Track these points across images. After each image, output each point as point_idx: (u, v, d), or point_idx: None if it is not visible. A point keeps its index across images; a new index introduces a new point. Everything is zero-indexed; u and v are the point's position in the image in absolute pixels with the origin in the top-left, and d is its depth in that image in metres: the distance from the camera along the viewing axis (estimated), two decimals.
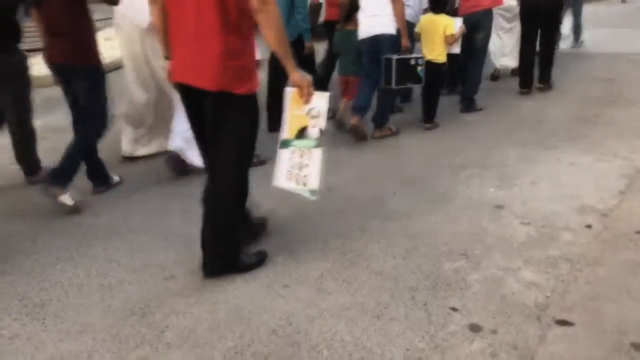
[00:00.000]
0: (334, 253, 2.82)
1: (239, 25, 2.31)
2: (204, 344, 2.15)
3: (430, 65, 4.62)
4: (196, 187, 2.78)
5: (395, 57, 4.32)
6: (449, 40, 4.71)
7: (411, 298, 2.40)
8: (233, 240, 2.61)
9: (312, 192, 2.56)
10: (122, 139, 4.28)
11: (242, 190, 2.63)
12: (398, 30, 4.36)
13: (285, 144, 2.55)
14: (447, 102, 5.39)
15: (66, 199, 3.33)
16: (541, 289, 2.43)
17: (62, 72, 3.45)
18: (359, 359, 2.04)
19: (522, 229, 2.99)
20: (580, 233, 2.92)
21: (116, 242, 3.01)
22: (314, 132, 2.49)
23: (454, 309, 2.31)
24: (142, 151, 4.32)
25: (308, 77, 2.43)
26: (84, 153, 3.49)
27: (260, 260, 2.72)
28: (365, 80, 4.59)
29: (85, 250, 2.93)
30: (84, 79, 3.41)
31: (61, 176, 3.32)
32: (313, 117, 2.48)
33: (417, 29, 4.79)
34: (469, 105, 5.33)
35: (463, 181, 3.69)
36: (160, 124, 4.19)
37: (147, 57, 3.92)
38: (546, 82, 5.91)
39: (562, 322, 2.20)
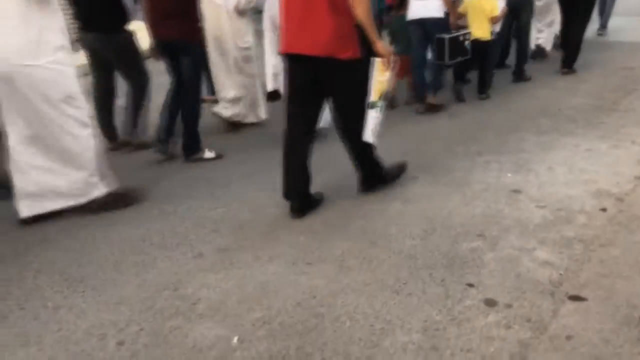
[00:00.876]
0: (354, 233, 2.94)
1: (340, 4, 2.77)
2: (234, 315, 2.29)
3: (477, 42, 5.12)
4: (221, 173, 2.92)
5: (447, 36, 4.76)
6: (494, 20, 5.22)
7: (429, 275, 2.51)
8: (375, 159, 3.28)
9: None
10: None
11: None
12: (445, 13, 4.83)
13: (372, 105, 3.01)
14: (466, 92, 5.45)
15: (207, 154, 4.09)
16: (555, 267, 2.52)
17: (170, 48, 3.92)
18: (379, 330, 2.16)
19: (537, 212, 3.08)
20: (595, 216, 3.00)
21: (147, 223, 3.16)
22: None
23: (470, 285, 2.41)
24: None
25: (390, 48, 2.84)
26: (194, 118, 4.04)
27: (401, 170, 3.50)
28: (414, 60, 5.07)
29: (119, 230, 3.09)
30: (189, 55, 3.92)
31: (191, 145, 4.04)
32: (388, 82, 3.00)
33: (461, 10, 5.22)
34: (519, 76, 5.96)
35: (480, 166, 3.77)
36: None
37: (227, 38, 4.48)
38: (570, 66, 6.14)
39: (575, 298, 2.29)
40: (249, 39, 4.60)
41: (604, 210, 3.05)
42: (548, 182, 3.46)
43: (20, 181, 3.09)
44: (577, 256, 2.61)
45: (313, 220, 3.10)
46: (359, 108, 3.02)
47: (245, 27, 4.54)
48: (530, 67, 6.40)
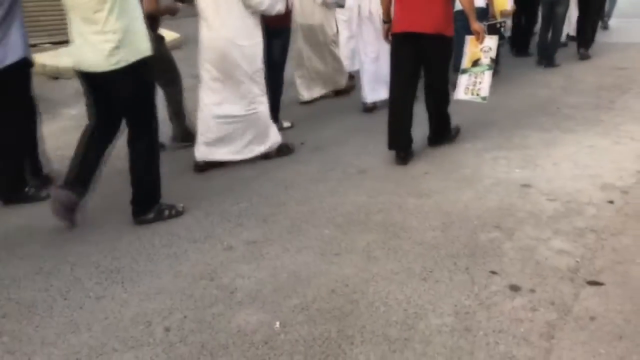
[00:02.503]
0: (376, 226, 3.06)
1: None
2: (272, 302, 2.40)
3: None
4: (238, 169, 3.00)
5: (486, 23, 5.22)
6: (504, 14, 6.02)
7: (453, 264, 2.64)
8: (447, 116, 4.20)
9: (483, 98, 4.11)
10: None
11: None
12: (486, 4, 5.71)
13: (464, 71, 4.12)
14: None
15: (285, 124, 4.76)
16: (571, 255, 2.67)
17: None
18: (413, 314, 2.28)
19: (549, 204, 3.23)
20: (604, 207, 3.15)
21: (175, 218, 3.25)
22: (485, 61, 4.03)
23: (494, 272, 2.55)
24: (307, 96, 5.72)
25: (482, 26, 3.96)
26: (279, 93, 4.68)
27: (457, 132, 4.39)
28: (456, 45, 5.53)
29: (145, 225, 3.17)
30: (280, 38, 4.51)
31: (274, 116, 4.37)
32: (485, 52, 4.00)
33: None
34: (551, 62, 6.81)
35: (489, 162, 3.91)
36: (318, 76, 5.70)
37: (319, 26, 5.38)
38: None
39: (593, 283, 2.44)
40: (334, 27, 5.57)
41: (611, 202, 3.21)
42: (555, 176, 3.61)
43: (205, 131, 3.90)
44: (591, 245, 2.76)
45: (334, 215, 3.21)
46: (446, 73, 4.05)
47: (332, 17, 5.53)
48: (532, 69, 6.63)
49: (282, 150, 4.19)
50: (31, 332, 2.28)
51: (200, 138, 3.92)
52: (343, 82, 5.90)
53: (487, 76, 4.06)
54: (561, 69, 6.68)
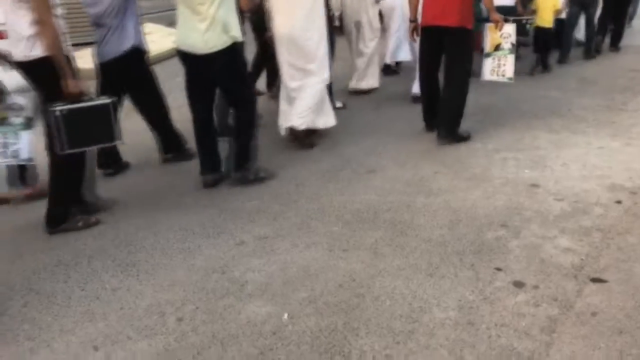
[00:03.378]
0: (384, 224, 3.12)
1: None
2: (281, 295, 2.47)
3: (541, 30, 6.49)
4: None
5: (511, 18, 5.53)
6: (557, 13, 6.54)
7: (459, 260, 2.70)
8: (460, 115, 4.41)
9: (509, 78, 4.74)
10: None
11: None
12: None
13: (488, 55, 4.73)
14: (480, 94, 5.65)
15: (338, 104, 5.13)
16: (576, 253, 2.71)
17: None
18: (418, 308, 2.34)
19: (556, 204, 3.26)
20: (611, 207, 3.18)
21: (187, 214, 3.35)
22: (506, 46, 4.64)
23: (499, 269, 2.60)
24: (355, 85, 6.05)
25: (500, 16, 4.50)
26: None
27: (467, 137, 4.44)
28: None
29: (161, 221, 3.27)
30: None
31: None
32: (504, 38, 4.63)
33: (533, 6, 6.56)
34: (589, 54, 7.29)
35: (498, 163, 3.95)
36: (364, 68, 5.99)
37: (367, 22, 5.80)
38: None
39: (597, 280, 2.48)
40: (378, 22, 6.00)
41: (619, 202, 3.24)
42: (564, 177, 3.64)
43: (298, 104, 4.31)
44: (597, 243, 2.79)
45: (343, 212, 3.28)
46: (466, 64, 4.37)
47: (376, 12, 5.96)
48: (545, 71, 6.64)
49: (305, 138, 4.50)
50: (50, 320, 2.38)
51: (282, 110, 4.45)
52: (365, 84, 6.08)
53: (509, 59, 4.68)
54: (574, 71, 6.66)
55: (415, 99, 5.42)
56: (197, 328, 2.28)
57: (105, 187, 3.77)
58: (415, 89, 5.35)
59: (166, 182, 3.89)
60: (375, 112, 5.40)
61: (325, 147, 4.44)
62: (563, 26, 7.12)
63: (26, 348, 2.21)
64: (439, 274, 2.58)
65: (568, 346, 2.06)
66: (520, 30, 5.93)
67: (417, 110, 4.77)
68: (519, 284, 2.47)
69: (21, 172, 3.76)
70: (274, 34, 4.30)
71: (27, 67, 3.01)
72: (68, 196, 3.23)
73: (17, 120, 3.47)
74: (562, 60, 7.07)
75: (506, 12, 5.82)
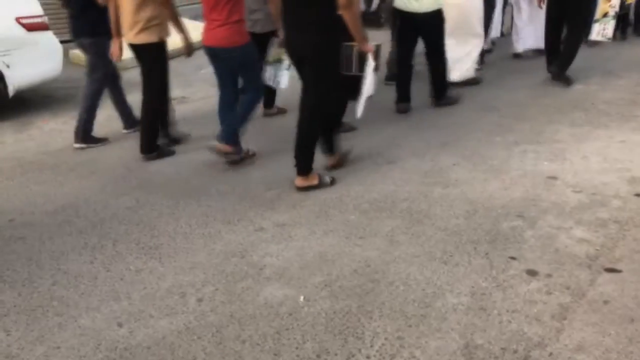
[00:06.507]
0: (401, 213, 3.17)
1: None
2: (298, 278, 2.55)
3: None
4: (271, 158, 3.14)
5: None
6: None
7: (473, 249, 2.74)
8: (572, 60, 5.78)
9: (609, 38, 6.07)
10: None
11: None
12: None
13: (596, 20, 5.83)
14: (503, 89, 5.63)
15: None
16: (592, 244, 2.72)
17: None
18: (431, 293, 2.39)
19: (574, 196, 3.26)
20: (630, 200, 3.17)
21: (208, 201, 3.44)
22: (611, 14, 5.91)
23: (513, 258, 2.63)
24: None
25: None
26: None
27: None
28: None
29: (183, 207, 3.38)
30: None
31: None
32: (612, 7, 5.86)
33: None
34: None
35: (517, 155, 3.96)
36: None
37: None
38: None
39: (611, 270, 2.49)
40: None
41: (638, 195, 3.23)
42: (583, 169, 3.64)
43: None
44: (612, 235, 2.80)
45: (361, 202, 3.33)
46: (586, 26, 5.74)
47: None
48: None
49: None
50: (77, 298, 2.49)
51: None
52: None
53: (611, 24, 5.97)
54: (600, 65, 6.58)
55: (516, 56, 7.03)
56: (216, 308, 2.36)
57: (130, 173, 3.90)
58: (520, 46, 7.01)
59: (189, 170, 3.99)
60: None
61: (345, 137, 4.48)
62: None
63: (55, 323, 2.32)
64: (453, 262, 2.63)
65: (578, 332, 2.09)
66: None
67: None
68: (532, 273, 2.50)
69: (272, 96, 5.05)
70: None
71: None
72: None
73: (286, 62, 4.36)
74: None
75: None
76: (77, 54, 7.11)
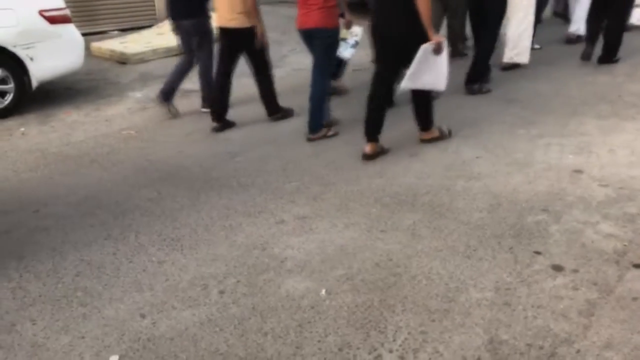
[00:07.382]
0: (423, 207, 3.14)
1: None
2: (319, 271, 2.54)
3: None
4: (291, 150, 3.12)
5: None
6: None
7: (497, 243, 2.69)
8: (619, 44, 6.01)
9: None
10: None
11: None
12: None
13: (638, 5, 6.00)
14: (526, 80, 5.54)
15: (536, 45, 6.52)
16: (619, 239, 2.66)
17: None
18: (454, 288, 2.36)
19: (600, 190, 3.20)
20: None
21: (229, 194, 3.45)
22: None
23: (538, 253, 2.59)
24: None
25: None
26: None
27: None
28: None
29: (204, 199, 3.38)
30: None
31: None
32: None
33: None
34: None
35: (541, 148, 3.89)
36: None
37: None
38: None
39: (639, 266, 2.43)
40: None
41: None
42: (610, 163, 3.56)
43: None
44: None
45: (382, 195, 3.31)
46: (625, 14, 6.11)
47: None
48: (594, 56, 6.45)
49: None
50: (101, 289, 2.51)
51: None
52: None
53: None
54: (627, 56, 6.42)
55: (569, 40, 7.12)
56: (238, 300, 2.36)
57: (151, 165, 3.92)
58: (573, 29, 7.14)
59: (210, 163, 4.00)
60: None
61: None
62: None
63: (79, 313, 2.35)
64: (477, 256, 2.59)
65: (606, 329, 2.05)
66: None
67: (460, 94, 4.71)
68: (558, 268, 2.46)
69: (339, 68, 5.18)
70: None
71: None
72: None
73: (352, 41, 5.04)
74: None
75: None
76: (98, 46, 7.18)
